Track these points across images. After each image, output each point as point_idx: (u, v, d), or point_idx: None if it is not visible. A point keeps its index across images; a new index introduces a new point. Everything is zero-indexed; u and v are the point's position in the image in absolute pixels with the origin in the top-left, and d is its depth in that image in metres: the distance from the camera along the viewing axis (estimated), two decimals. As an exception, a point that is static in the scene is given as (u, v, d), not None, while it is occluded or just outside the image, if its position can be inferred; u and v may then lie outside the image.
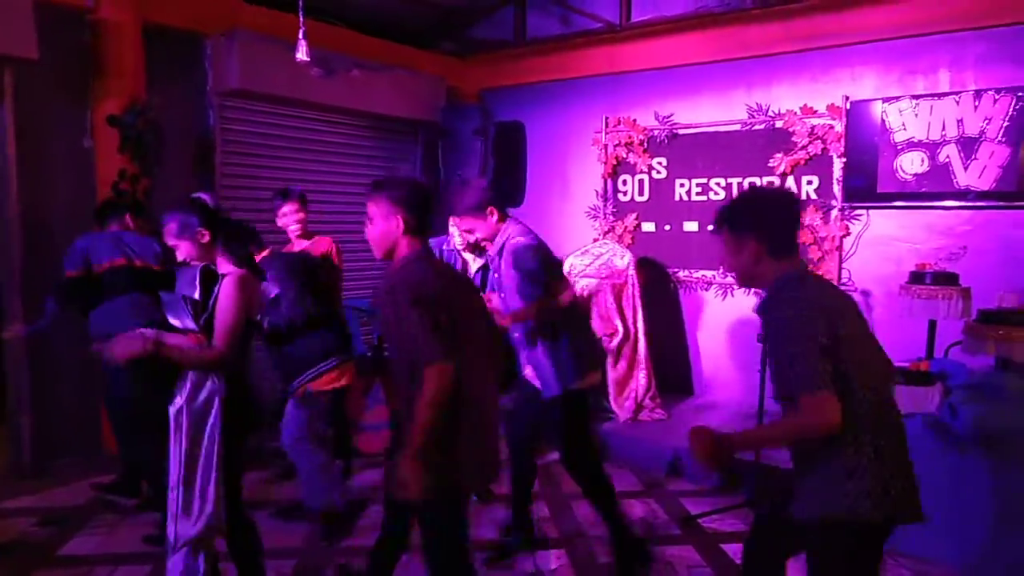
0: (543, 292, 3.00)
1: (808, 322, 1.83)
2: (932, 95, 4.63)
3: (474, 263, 3.97)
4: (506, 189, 6.15)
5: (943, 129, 4.59)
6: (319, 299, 3.42)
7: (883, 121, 4.78)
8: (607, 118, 5.90)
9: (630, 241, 5.85)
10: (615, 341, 5.08)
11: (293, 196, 3.98)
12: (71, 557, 3.39)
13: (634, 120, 5.79)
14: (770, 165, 5.21)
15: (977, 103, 4.46)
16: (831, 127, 4.96)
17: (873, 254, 4.91)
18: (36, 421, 4.30)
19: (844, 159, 4.94)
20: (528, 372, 3.19)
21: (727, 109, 5.39)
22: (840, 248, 5.02)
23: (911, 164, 4.71)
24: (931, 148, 4.64)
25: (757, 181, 5.29)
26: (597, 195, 6.02)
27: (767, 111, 5.21)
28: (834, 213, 5.02)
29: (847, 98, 4.90)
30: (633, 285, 5.22)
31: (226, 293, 2.50)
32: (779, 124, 5.17)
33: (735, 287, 5.42)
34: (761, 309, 1.99)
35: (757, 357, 3.86)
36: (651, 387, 5.16)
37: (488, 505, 3.94)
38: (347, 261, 4.52)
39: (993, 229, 4.50)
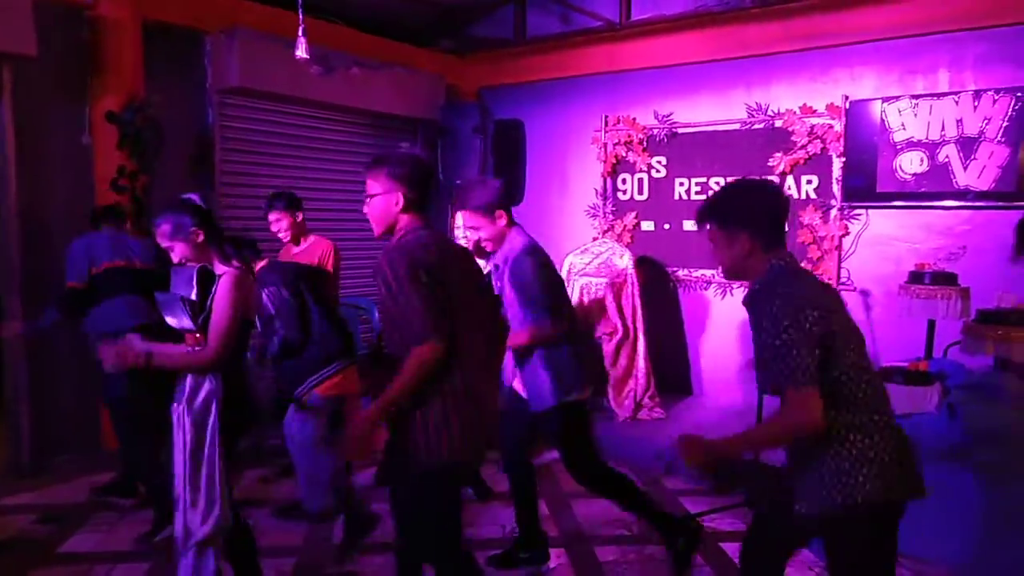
0: (541, 317, 2.90)
1: (802, 317, 1.83)
2: (931, 95, 4.63)
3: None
4: (505, 187, 6.14)
5: (942, 129, 4.59)
6: (323, 310, 3.39)
7: (882, 121, 4.78)
8: (607, 117, 5.90)
9: (629, 240, 5.85)
10: (614, 340, 5.09)
11: (277, 204, 3.89)
12: (70, 554, 3.39)
13: (634, 119, 5.79)
14: (769, 164, 5.22)
15: (976, 103, 4.47)
16: (830, 127, 4.97)
17: (872, 254, 4.92)
18: (35, 418, 4.30)
19: (843, 159, 4.94)
20: (516, 384, 3.11)
21: (726, 108, 5.39)
22: (839, 248, 5.02)
23: (910, 164, 4.71)
24: (930, 148, 4.64)
25: (757, 180, 5.29)
26: (596, 194, 6.02)
27: (766, 110, 5.22)
28: (833, 213, 5.03)
29: (846, 98, 4.90)
30: (632, 284, 5.22)
31: (222, 293, 2.49)
32: (778, 123, 5.17)
33: (734, 286, 5.43)
34: (750, 301, 1.98)
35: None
36: (650, 386, 5.17)
37: (487, 504, 3.94)
38: (347, 259, 4.51)
39: (992, 229, 4.51)
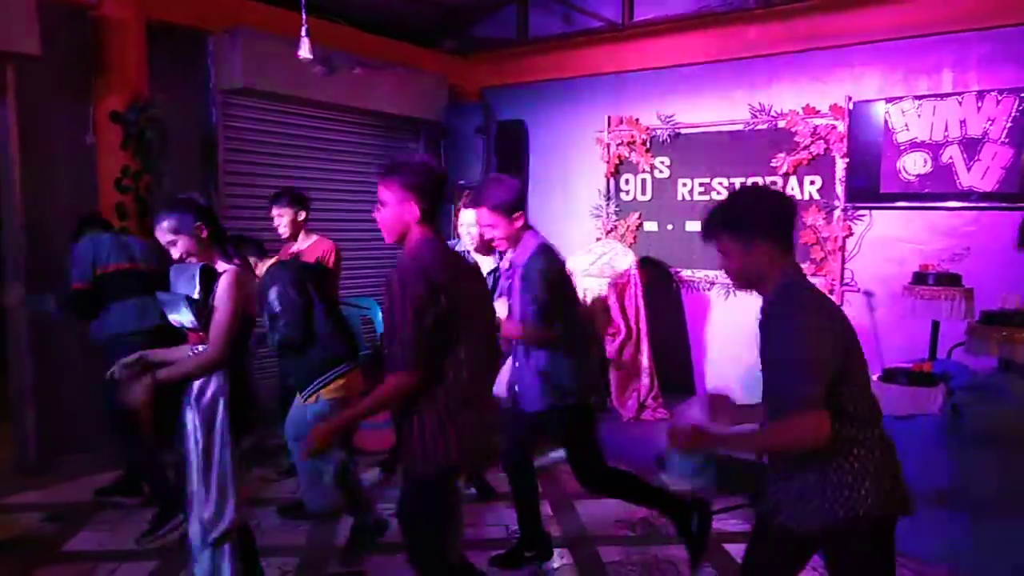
0: (539, 318, 2.89)
1: (823, 337, 1.83)
2: (935, 96, 4.64)
3: (482, 264, 3.92)
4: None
5: (946, 130, 4.59)
6: (329, 310, 3.39)
7: (886, 121, 4.78)
8: (609, 117, 5.91)
9: (632, 240, 5.86)
10: (617, 341, 5.09)
11: (282, 199, 3.96)
12: (75, 553, 3.40)
13: (636, 119, 5.79)
14: (772, 165, 5.22)
15: (980, 104, 4.47)
16: (834, 127, 4.97)
17: (876, 255, 4.92)
18: (41, 418, 4.31)
19: (847, 159, 4.94)
20: (517, 388, 3.09)
21: (729, 109, 5.39)
22: (843, 248, 5.02)
23: (914, 165, 4.71)
24: (934, 149, 4.64)
25: (760, 181, 5.30)
26: (600, 194, 6.02)
27: (769, 111, 5.22)
28: (837, 213, 5.03)
29: (850, 98, 4.90)
30: (635, 285, 5.22)
31: (224, 291, 2.50)
32: (781, 124, 5.17)
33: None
34: (765, 316, 1.94)
35: (759, 356, 3.86)
36: (654, 387, 5.18)
37: (490, 504, 3.94)
38: (349, 259, 4.53)
39: (996, 230, 4.51)
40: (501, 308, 3.05)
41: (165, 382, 2.50)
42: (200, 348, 2.55)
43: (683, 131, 5.61)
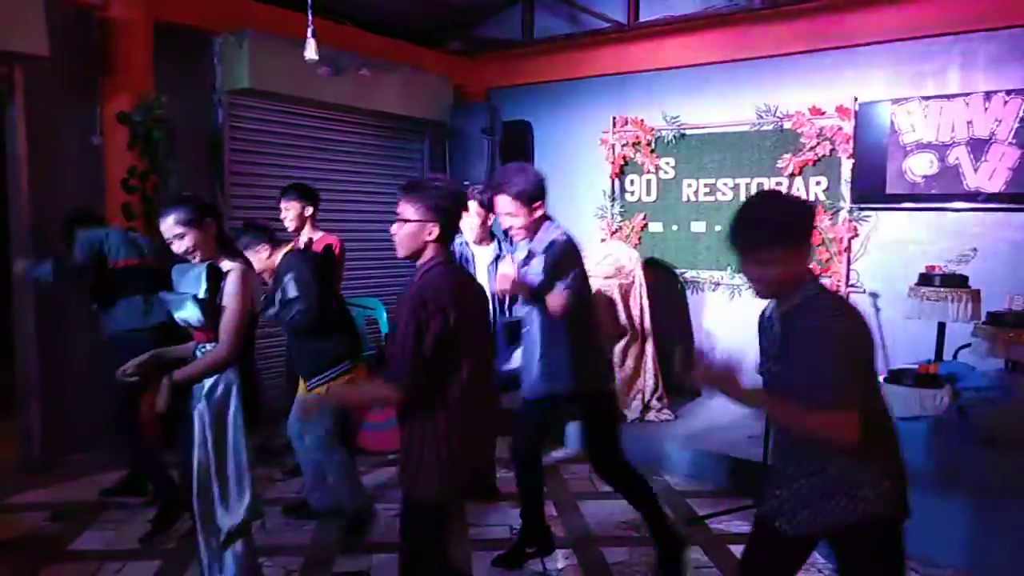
0: (571, 292, 2.89)
1: (855, 340, 1.85)
2: (942, 96, 4.62)
3: (481, 255, 3.91)
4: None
5: (952, 131, 4.57)
6: (340, 303, 3.43)
7: (892, 122, 4.76)
8: (615, 118, 5.90)
9: (637, 241, 5.85)
10: (623, 342, 5.08)
11: (288, 194, 4.01)
12: (81, 552, 3.41)
13: (642, 120, 5.78)
14: (778, 166, 5.21)
15: (987, 105, 4.45)
16: (840, 128, 4.95)
17: (882, 256, 4.90)
18: (46, 416, 4.33)
19: (853, 160, 4.93)
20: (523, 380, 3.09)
21: (735, 109, 5.38)
22: (849, 249, 5.01)
23: (920, 166, 4.69)
24: (940, 150, 4.62)
25: (766, 182, 5.29)
26: (604, 195, 6.02)
27: (775, 112, 5.20)
28: (842, 214, 5.01)
29: (856, 99, 4.89)
30: (640, 285, 5.21)
31: (234, 289, 2.52)
32: (787, 125, 5.16)
33: (743, 288, 5.42)
34: (791, 316, 1.92)
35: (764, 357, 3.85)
36: (658, 388, 5.16)
37: (494, 504, 3.94)
38: (353, 259, 4.54)
39: (1003, 231, 4.49)
40: (506, 266, 3.01)
41: (181, 383, 2.52)
42: (208, 347, 2.56)
43: (688, 132, 5.60)
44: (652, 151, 5.77)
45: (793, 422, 1.91)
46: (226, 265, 2.57)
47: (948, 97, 4.59)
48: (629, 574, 3.26)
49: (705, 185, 5.58)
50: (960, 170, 4.57)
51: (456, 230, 2.35)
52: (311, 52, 4.08)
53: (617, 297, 5.13)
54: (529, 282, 2.93)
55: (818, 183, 5.12)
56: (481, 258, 3.89)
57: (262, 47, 4.80)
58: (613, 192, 5.98)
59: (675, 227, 5.75)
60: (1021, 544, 3.02)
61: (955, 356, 4.14)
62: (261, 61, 4.80)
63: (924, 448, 3.22)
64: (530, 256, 2.98)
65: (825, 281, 4.94)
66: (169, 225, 2.54)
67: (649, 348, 5.16)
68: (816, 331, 1.86)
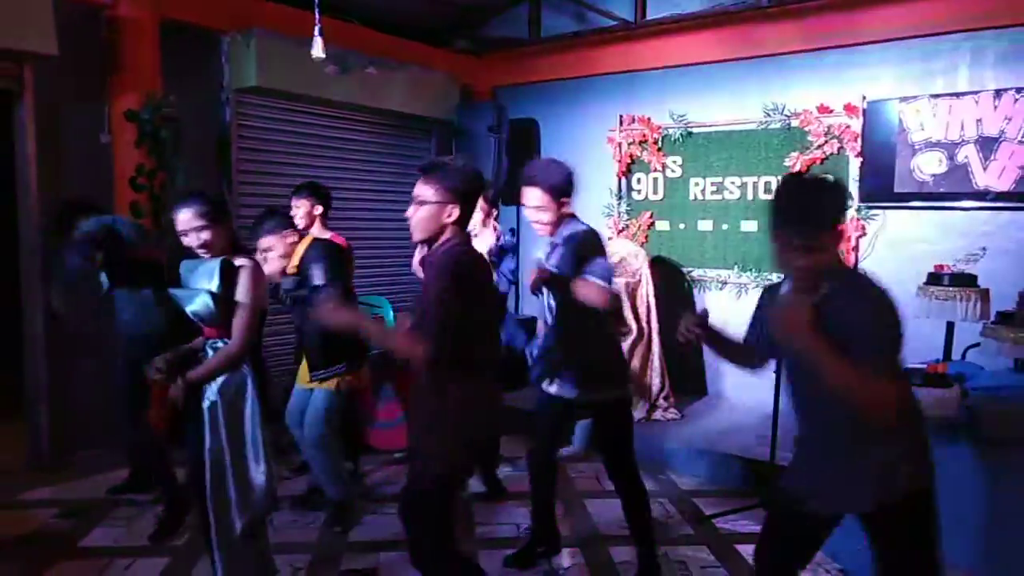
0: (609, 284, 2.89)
1: (900, 316, 1.87)
2: (951, 94, 4.59)
3: (480, 244, 3.88)
4: (520, 187, 6.14)
5: (962, 129, 4.55)
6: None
7: (900, 120, 4.75)
8: (621, 116, 5.89)
9: (644, 240, 5.84)
10: (628, 340, 5.08)
11: (300, 192, 4.01)
12: (91, 549, 3.43)
13: (649, 118, 5.77)
14: (786, 164, 5.19)
15: (997, 103, 4.43)
16: (847, 126, 4.93)
17: (890, 255, 4.88)
18: (54, 414, 4.35)
19: (861, 159, 4.91)
20: (552, 385, 3.02)
21: (742, 108, 5.36)
22: (856, 248, 4.99)
23: (929, 164, 4.67)
24: (949, 148, 4.60)
25: (773, 180, 5.28)
26: (611, 193, 6.01)
27: (783, 110, 5.19)
28: (850, 213, 4.99)
29: (864, 97, 4.87)
30: (647, 284, 5.20)
31: (246, 286, 2.55)
32: (795, 123, 5.14)
33: (750, 286, 5.41)
34: (834, 294, 1.87)
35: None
36: (665, 387, 5.16)
37: (502, 503, 3.95)
38: (359, 257, 4.53)
39: (1012, 230, 4.47)
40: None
41: (195, 383, 2.53)
42: (219, 344, 2.57)
43: (695, 130, 5.59)
44: (659, 149, 5.76)
45: (848, 382, 1.80)
46: (238, 261, 2.58)
47: (957, 95, 4.57)
48: (634, 573, 3.26)
49: (712, 184, 5.57)
50: (969, 168, 4.55)
51: (472, 214, 2.33)
52: (318, 51, 4.09)
53: (624, 296, 5.12)
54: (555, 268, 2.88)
55: (826, 182, 5.09)
56: (484, 244, 3.91)
57: (269, 46, 4.81)
58: (620, 190, 5.97)
59: (682, 225, 5.74)
60: (1031, 545, 3.01)
61: (964, 356, 4.12)
62: (268, 60, 4.81)
63: (932, 448, 3.20)
64: (553, 249, 2.93)
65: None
66: (189, 217, 2.55)
67: (655, 347, 5.15)
68: (876, 306, 1.86)
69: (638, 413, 5.02)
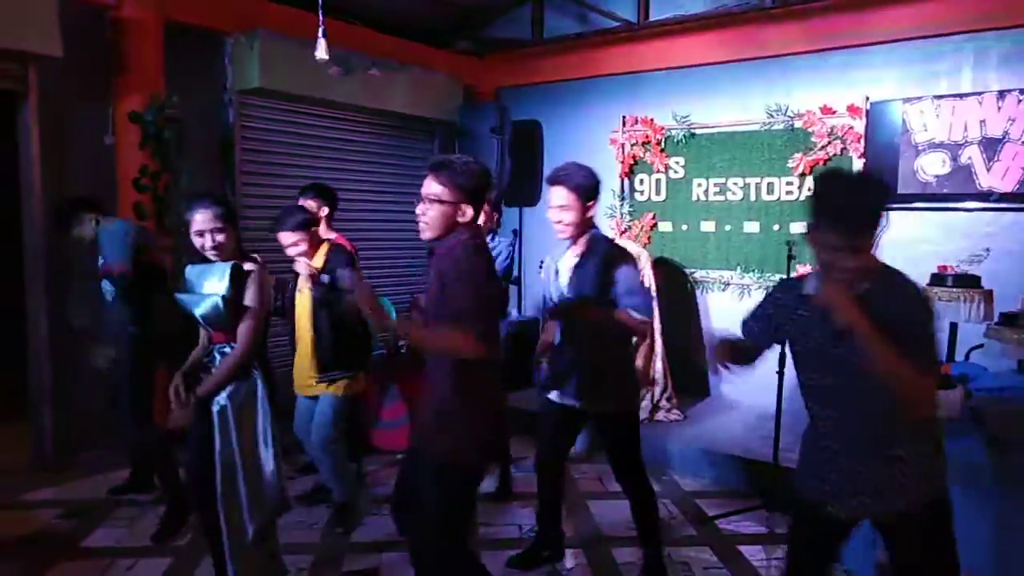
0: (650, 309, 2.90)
1: (935, 309, 1.88)
2: (954, 95, 4.59)
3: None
4: (523, 188, 6.15)
5: (965, 130, 4.54)
6: None
7: (904, 121, 4.74)
8: (624, 117, 5.89)
9: (647, 241, 5.84)
10: (632, 341, 5.07)
11: (306, 192, 4.03)
12: (93, 549, 3.44)
13: (651, 119, 5.77)
14: (789, 165, 5.19)
15: (1000, 104, 4.42)
16: (851, 127, 4.93)
17: (893, 256, 4.72)
18: (58, 415, 4.36)
19: (864, 160, 4.90)
20: (556, 393, 3.01)
21: (745, 109, 5.36)
22: (859, 249, 4.97)
23: (932, 165, 4.67)
24: (953, 149, 4.60)
25: (776, 181, 5.27)
26: (614, 194, 6.00)
27: (786, 111, 5.18)
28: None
29: (867, 98, 4.86)
30: (650, 285, 5.20)
31: (256, 291, 2.58)
32: (798, 124, 5.14)
33: (752, 288, 5.40)
34: (880, 293, 1.83)
35: (775, 358, 3.84)
36: (667, 388, 5.15)
37: (507, 504, 3.94)
38: (364, 258, 4.53)
39: (1016, 231, 4.46)
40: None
41: (206, 397, 2.56)
42: (227, 348, 2.58)
43: (698, 131, 5.59)
44: (662, 150, 5.76)
45: (897, 368, 1.76)
46: (246, 266, 2.61)
47: (961, 96, 4.57)
48: (638, 574, 3.26)
49: (715, 185, 5.56)
50: (973, 169, 4.54)
51: (481, 212, 2.32)
52: (322, 52, 4.09)
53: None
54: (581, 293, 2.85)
55: (829, 183, 5.08)
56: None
57: (273, 47, 4.82)
58: (623, 191, 5.97)
59: (685, 227, 5.73)
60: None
61: (967, 357, 4.11)
62: (272, 61, 4.82)
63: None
64: (579, 263, 2.88)
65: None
66: (209, 218, 2.56)
67: (658, 348, 5.15)
68: (918, 303, 1.86)
69: (641, 414, 5.01)
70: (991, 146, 4.46)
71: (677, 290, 5.67)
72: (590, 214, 2.88)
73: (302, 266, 3.44)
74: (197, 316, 2.57)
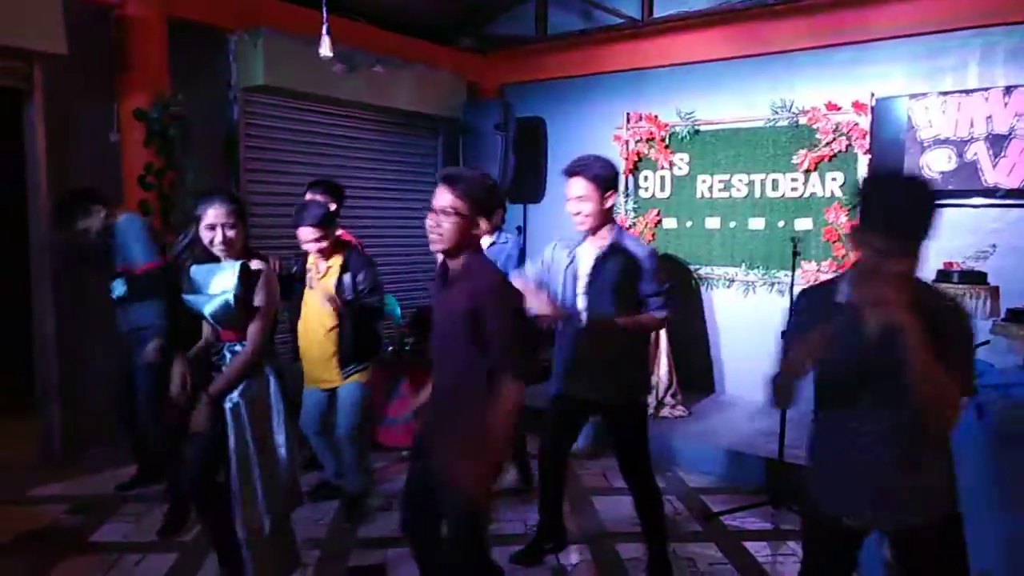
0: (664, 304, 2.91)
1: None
2: (960, 91, 4.57)
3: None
4: (527, 185, 6.15)
5: (971, 126, 4.53)
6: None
7: (909, 118, 4.73)
8: (628, 114, 5.88)
9: (651, 238, 5.84)
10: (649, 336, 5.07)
11: (314, 188, 4.04)
12: (101, 544, 3.45)
13: (656, 116, 5.76)
14: (794, 162, 5.18)
15: (1007, 99, 4.40)
16: (856, 123, 4.91)
17: (898, 252, 4.85)
18: (65, 412, 4.38)
19: (869, 156, 4.89)
20: (566, 385, 3.01)
21: (750, 105, 5.35)
22: (864, 246, 4.96)
23: (938, 161, 4.65)
24: (959, 145, 4.58)
25: (780, 178, 5.26)
26: (618, 191, 5.99)
27: (791, 107, 5.17)
28: (859, 210, 4.96)
29: (873, 94, 4.85)
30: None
31: (265, 290, 2.60)
32: (803, 120, 5.13)
33: (758, 284, 5.40)
34: (922, 302, 1.76)
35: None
36: (672, 384, 5.15)
37: (509, 500, 3.95)
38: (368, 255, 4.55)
39: (1022, 227, 4.45)
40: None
41: (218, 397, 2.57)
42: (237, 347, 2.59)
43: (703, 128, 5.58)
44: (666, 147, 5.75)
45: (936, 375, 1.72)
46: (254, 265, 2.62)
47: (967, 92, 4.55)
48: (643, 569, 3.26)
49: (719, 181, 5.56)
50: (979, 166, 4.53)
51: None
52: (326, 49, 4.10)
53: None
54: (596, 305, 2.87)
55: (834, 179, 5.08)
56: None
57: (277, 44, 4.82)
58: (627, 188, 5.96)
59: (689, 223, 5.73)
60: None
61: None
62: (276, 58, 4.82)
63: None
64: (603, 256, 2.87)
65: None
66: (224, 212, 2.57)
67: (663, 345, 5.15)
68: (967, 317, 1.85)
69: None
70: (997, 142, 4.45)
71: (681, 287, 5.66)
72: (609, 205, 2.86)
73: (315, 276, 3.50)
74: (207, 315, 2.58)
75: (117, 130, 4.46)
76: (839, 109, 4.97)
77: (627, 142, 5.89)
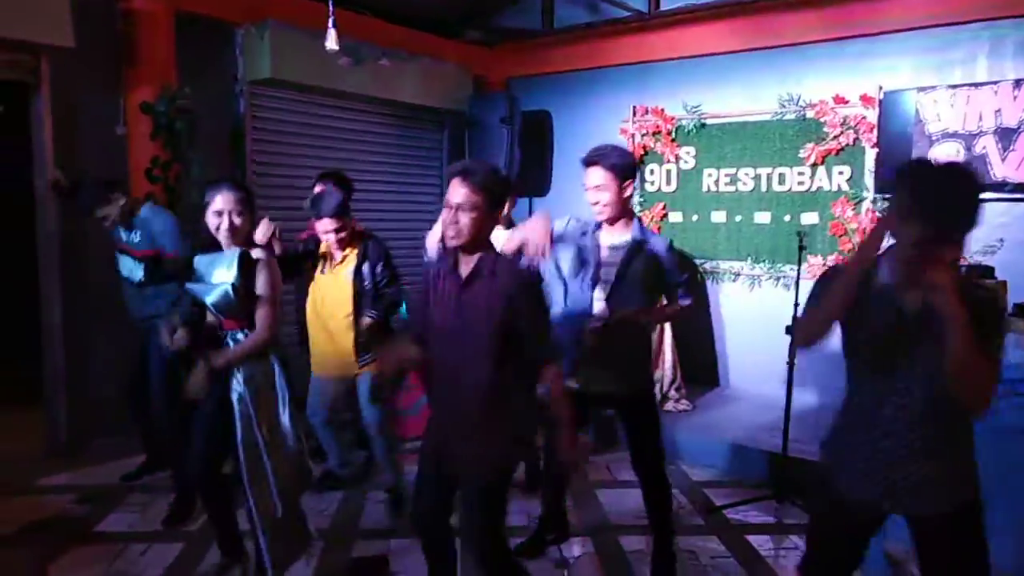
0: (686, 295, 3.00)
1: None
2: (969, 85, 4.53)
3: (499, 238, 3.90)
4: (533, 179, 6.14)
5: (980, 120, 4.49)
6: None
7: (917, 111, 4.69)
8: (635, 107, 5.87)
9: (657, 231, 5.81)
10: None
11: (325, 179, 4.05)
12: (107, 534, 3.48)
13: (662, 109, 5.75)
14: (801, 155, 5.15)
15: (1016, 93, 4.37)
16: (863, 117, 4.89)
17: (905, 246, 4.82)
18: (72, 402, 4.41)
19: (877, 149, 4.86)
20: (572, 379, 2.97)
21: (757, 98, 5.33)
22: (871, 240, 4.94)
23: (946, 155, 4.62)
24: (967, 139, 4.55)
25: (787, 172, 5.24)
26: (624, 185, 5.98)
27: (798, 100, 5.15)
28: (866, 204, 4.95)
29: (881, 87, 4.81)
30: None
31: (267, 277, 2.62)
32: (810, 114, 5.10)
33: (763, 278, 5.38)
34: (964, 293, 1.75)
35: (784, 348, 3.82)
36: (676, 378, 5.15)
37: (511, 494, 3.95)
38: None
39: (1031, 222, 4.41)
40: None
41: (221, 368, 2.60)
42: (239, 335, 2.62)
43: (709, 121, 5.56)
44: (672, 140, 5.73)
45: (976, 360, 1.72)
46: (255, 254, 2.63)
47: (976, 85, 4.51)
48: (646, 563, 3.26)
49: (726, 175, 5.53)
50: (987, 159, 4.49)
51: None
52: (332, 42, 4.10)
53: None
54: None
55: (841, 173, 5.05)
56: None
57: (283, 37, 4.83)
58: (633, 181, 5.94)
59: (695, 217, 5.71)
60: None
61: (980, 348, 4.08)
62: (282, 51, 4.83)
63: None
64: (634, 246, 2.87)
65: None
66: (232, 199, 2.59)
67: (667, 338, 5.14)
68: (1002, 310, 1.90)
69: (650, 405, 5.02)
70: (1006, 136, 4.41)
71: (688, 280, 5.65)
72: (627, 194, 2.87)
73: (330, 264, 3.54)
74: (208, 304, 2.60)
75: (124, 123, 4.47)
76: (847, 102, 4.94)
77: (633, 135, 5.88)
